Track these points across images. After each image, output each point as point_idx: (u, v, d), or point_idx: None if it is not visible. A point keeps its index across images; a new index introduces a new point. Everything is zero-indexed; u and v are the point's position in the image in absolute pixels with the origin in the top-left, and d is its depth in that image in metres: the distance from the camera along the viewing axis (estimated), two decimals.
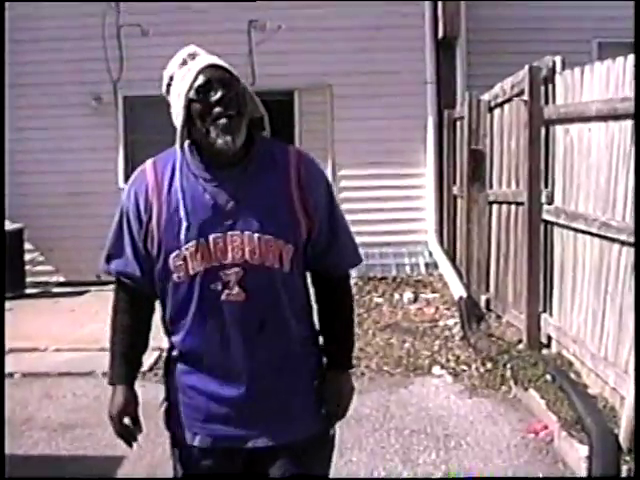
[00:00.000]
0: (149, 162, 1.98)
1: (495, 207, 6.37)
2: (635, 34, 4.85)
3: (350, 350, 2.12)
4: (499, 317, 6.13)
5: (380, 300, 7.33)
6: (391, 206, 8.58)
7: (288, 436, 1.95)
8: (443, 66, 8.59)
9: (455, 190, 8.05)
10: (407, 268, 8.27)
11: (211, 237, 1.87)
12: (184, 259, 1.88)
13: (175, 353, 2.00)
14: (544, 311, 5.23)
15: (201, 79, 1.83)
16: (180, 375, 2.00)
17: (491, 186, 6.49)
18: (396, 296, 7.43)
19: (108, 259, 2.01)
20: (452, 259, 7.98)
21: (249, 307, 1.89)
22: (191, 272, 1.88)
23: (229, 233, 1.87)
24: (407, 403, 4.71)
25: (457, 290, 6.86)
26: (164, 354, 2.07)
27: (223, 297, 1.88)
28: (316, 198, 1.94)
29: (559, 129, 4.96)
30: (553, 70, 5.02)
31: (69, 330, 6.56)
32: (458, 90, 8.43)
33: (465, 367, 5.33)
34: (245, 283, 1.87)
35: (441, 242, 8.59)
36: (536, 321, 5.22)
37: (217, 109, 1.82)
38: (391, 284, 7.78)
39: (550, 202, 5.10)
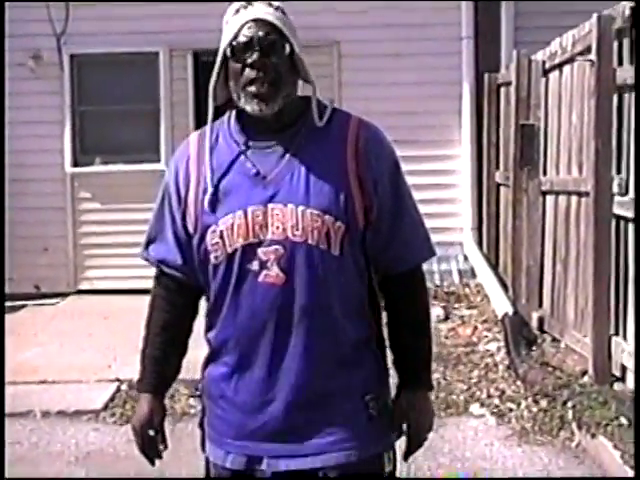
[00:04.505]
0: (197, 132, 2.22)
1: (550, 198, 6.38)
2: (635, 31, 4.96)
3: (427, 363, 2.26)
4: (556, 340, 6.13)
5: None
6: (415, 197, 8.52)
7: (335, 459, 2.08)
8: (483, 16, 8.56)
9: (498, 177, 8.07)
10: (436, 277, 8.26)
11: (250, 209, 2.06)
12: (221, 236, 2.07)
13: (208, 354, 2.20)
14: (616, 333, 5.21)
15: (241, 36, 2.04)
16: (211, 383, 2.20)
17: (545, 172, 6.49)
18: None
19: (147, 244, 2.25)
20: (494, 265, 8.01)
21: (288, 292, 2.05)
22: (229, 250, 2.07)
23: (270, 205, 2.05)
24: (437, 452, 4.67)
25: (501, 305, 6.87)
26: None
27: (260, 278, 2.05)
28: (376, 173, 2.11)
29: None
30: (631, 19, 4.95)
31: None
32: (503, 48, 8.43)
33: (512, 405, 5.33)
34: (285, 263, 2.04)
35: (480, 243, 8.62)
36: (606, 346, 5.20)
37: (248, 72, 2.03)
38: None
39: (624, 192, 5.07)
